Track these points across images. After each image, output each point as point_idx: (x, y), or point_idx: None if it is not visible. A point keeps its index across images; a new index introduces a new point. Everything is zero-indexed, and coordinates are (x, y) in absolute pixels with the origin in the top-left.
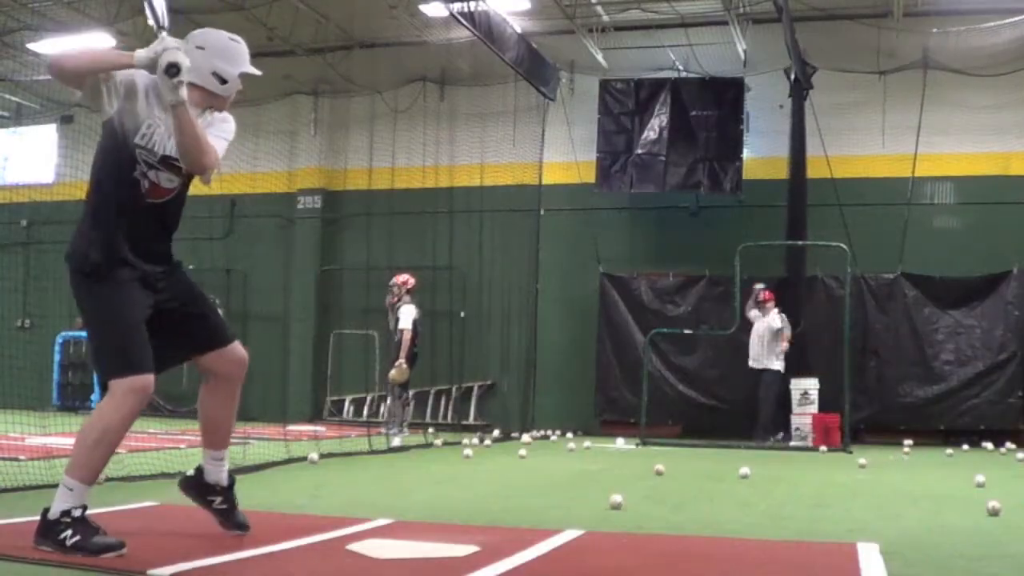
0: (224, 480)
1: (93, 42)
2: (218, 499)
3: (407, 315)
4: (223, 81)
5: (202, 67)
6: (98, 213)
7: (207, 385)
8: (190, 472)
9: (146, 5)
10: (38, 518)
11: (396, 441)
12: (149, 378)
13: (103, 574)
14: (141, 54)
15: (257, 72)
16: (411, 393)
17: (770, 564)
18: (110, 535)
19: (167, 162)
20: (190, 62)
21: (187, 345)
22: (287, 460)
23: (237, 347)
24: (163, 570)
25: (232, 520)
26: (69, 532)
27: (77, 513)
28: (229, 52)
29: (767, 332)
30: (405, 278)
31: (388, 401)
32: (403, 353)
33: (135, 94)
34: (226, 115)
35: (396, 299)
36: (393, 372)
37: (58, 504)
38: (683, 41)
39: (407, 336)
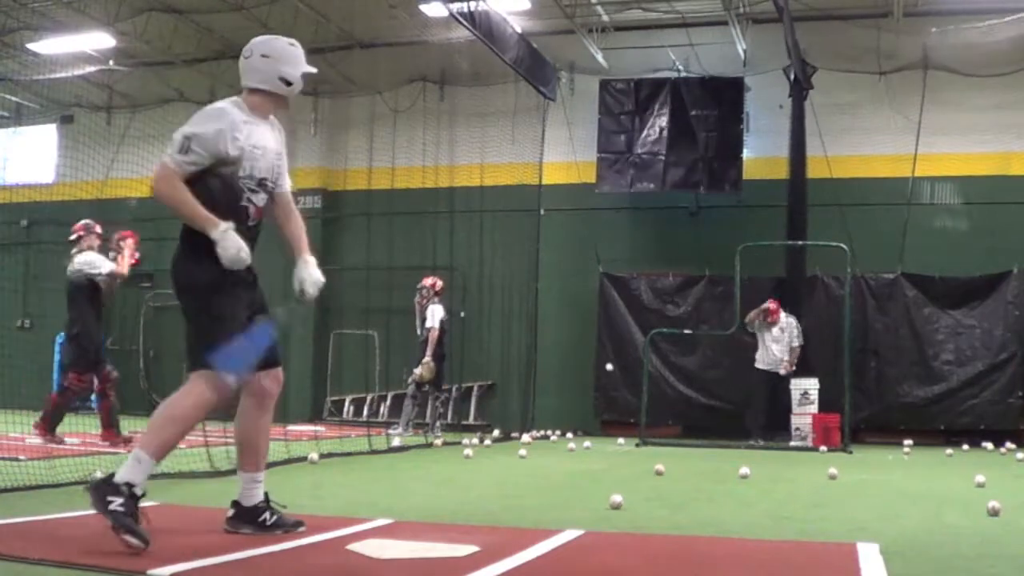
0: (262, 496)
1: (93, 42)
2: (267, 515)
3: (435, 315)
4: (289, 83)
5: (271, 74)
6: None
7: (245, 404)
8: (229, 513)
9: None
10: (38, 518)
11: (396, 441)
12: (231, 382)
13: (103, 574)
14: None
15: (313, 69)
16: (450, 391)
17: (770, 564)
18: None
19: (262, 183)
20: (259, 70)
21: None
22: (287, 460)
23: (280, 369)
24: (163, 570)
25: (286, 524)
26: (119, 500)
27: (137, 491)
28: (291, 57)
29: (784, 337)
30: (433, 280)
31: (430, 401)
32: (429, 351)
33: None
34: (278, 124)
35: (425, 300)
36: (422, 370)
37: (127, 473)
38: (683, 41)
39: (434, 335)
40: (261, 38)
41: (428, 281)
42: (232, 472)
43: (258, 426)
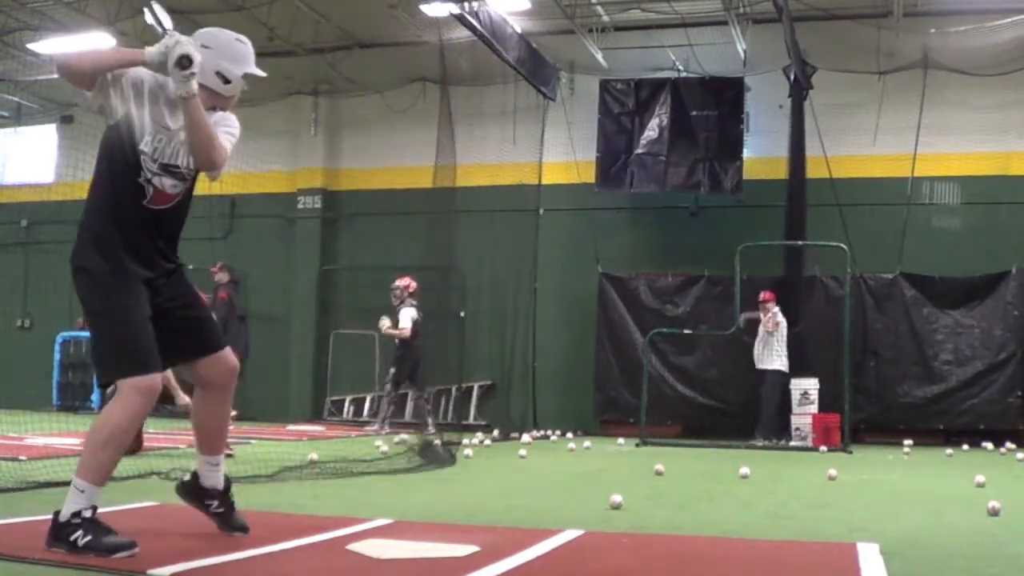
0: (220, 484)
1: (93, 42)
2: (215, 503)
3: (405, 317)
4: (226, 81)
5: (206, 66)
6: (99, 217)
7: (198, 392)
8: (186, 477)
9: (147, 11)
10: (38, 518)
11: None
12: (156, 378)
13: (103, 574)
14: (152, 50)
15: (261, 73)
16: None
17: (770, 564)
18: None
19: (168, 169)
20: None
21: (178, 348)
22: (294, 467)
23: (227, 354)
24: (163, 570)
25: (230, 523)
26: (80, 533)
27: (87, 514)
28: (235, 52)
29: (764, 332)
30: (407, 282)
31: (413, 401)
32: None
33: (142, 96)
34: (229, 115)
35: (398, 301)
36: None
37: (68, 506)
38: (683, 41)
39: (404, 333)
40: (206, 29)
41: (401, 283)
42: (243, 477)
43: (211, 417)
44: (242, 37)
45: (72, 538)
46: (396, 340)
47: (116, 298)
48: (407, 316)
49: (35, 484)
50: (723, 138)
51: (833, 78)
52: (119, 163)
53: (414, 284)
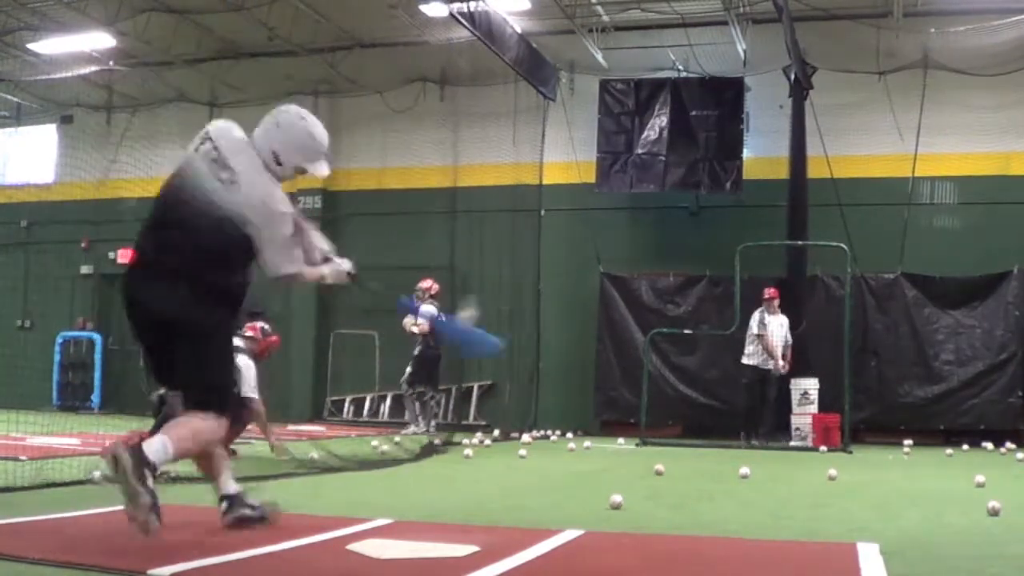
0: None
1: (93, 42)
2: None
3: (425, 314)
4: (278, 163)
5: (267, 140)
6: (221, 284)
7: None
8: (223, 509)
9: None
10: (37, 518)
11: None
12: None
13: (103, 574)
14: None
15: (324, 172)
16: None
17: (770, 564)
18: (116, 535)
19: None
20: (264, 130)
21: None
22: (293, 473)
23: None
24: (163, 570)
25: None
26: (151, 481)
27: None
28: (302, 146)
29: (782, 334)
30: (429, 284)
31: (423, 401)
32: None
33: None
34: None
35: (419, 302)
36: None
37: (155, 454)
38: (683, 41)
39: (423, 329)
40: (295, 110)
41: (424, 284)
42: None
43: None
44: (321, 135)
45: (147, 472)
46: (418, 338)
47: (228, 344)
48: (427, 313)
49: (35, 484)
50: (723, 138)
51: (833, 78)
52: (242, 251)
53: (436, 286)
